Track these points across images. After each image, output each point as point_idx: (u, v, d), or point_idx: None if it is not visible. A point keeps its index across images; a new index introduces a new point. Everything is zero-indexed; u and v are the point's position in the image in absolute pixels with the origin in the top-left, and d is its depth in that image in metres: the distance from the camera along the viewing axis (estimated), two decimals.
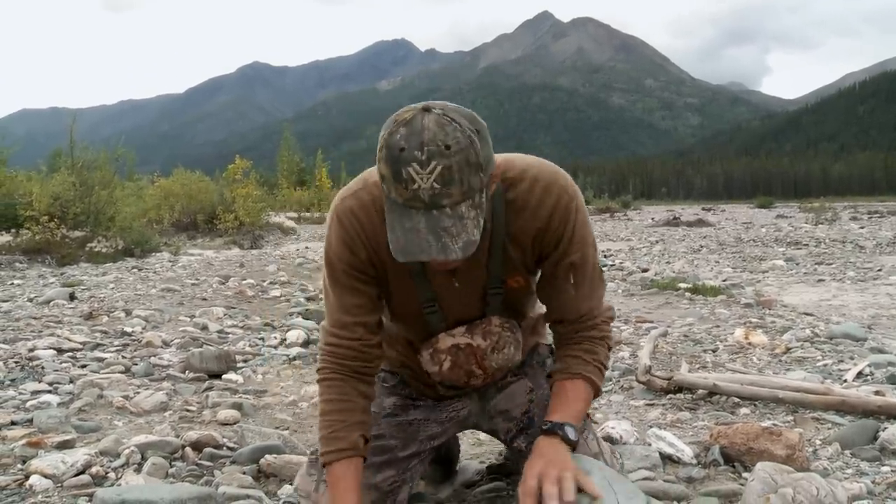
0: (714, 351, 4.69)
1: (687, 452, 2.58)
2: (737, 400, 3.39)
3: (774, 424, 2.88)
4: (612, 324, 1.96)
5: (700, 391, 3.52)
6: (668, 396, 3.56)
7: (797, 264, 11.38)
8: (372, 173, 1.69)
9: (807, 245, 15.13)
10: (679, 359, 4.37)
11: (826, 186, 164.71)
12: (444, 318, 1.91)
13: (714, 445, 2.58)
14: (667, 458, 2.56)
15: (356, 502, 1.73)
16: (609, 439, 2.65)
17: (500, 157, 1.75)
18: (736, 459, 2.52)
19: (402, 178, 1.45)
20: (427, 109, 1.48)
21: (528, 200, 1.75)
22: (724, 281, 9.21)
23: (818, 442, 2.77)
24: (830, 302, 7.45)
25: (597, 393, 1.91)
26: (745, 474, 2.41)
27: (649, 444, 2.65)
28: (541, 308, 2.07)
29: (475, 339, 1.91)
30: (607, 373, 4.08)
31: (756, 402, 3.34)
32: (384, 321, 1.97)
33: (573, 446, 1.76)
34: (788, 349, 4.63)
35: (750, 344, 4.80)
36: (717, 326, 5.61)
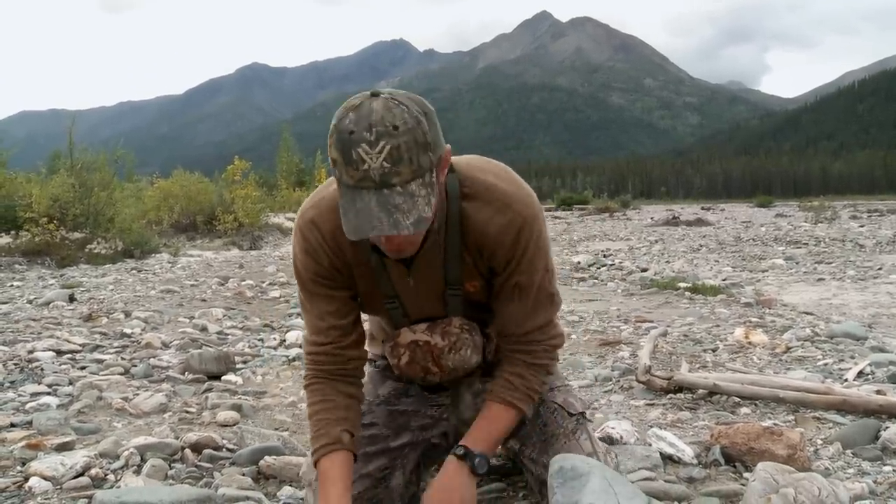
0: (714, 350, 4.68)
1: (687, 452, 2.57)
2: (737, 399, 3.39)
3: (775, 424, 2.87)
4: (556, 353, 2.02)
5: (700, 391, 3.52)
6: (669, 396, 3.55)
7: (797, 263, 11.36)
8: (332, 181, 1.72)
9: (806, 244, 15.11)
10: (679, 358, 4.36)
11: (825, 185, 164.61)
12: (407, 315, 1.97)
13: (715, 445, 2.57)
14: (667, 459, 2.55)
15: (340, 492, 1.77)
16: (609, 439, 2.64)
17: (467, 160, 1.85)
18: (737, 459, 2.51)
19: (352, 159, 1.48)
20: (375, 94, 1.53)
21: (483, 216, 1.77)
22: (723, 280, 9.19)
23: (819, 442, 2.77)
24: (831, 301, 7.44)
25: (522, 415, 1.95)
26: (745, 474, 2.41)
27: (650, 445, 2.64)
28: None
29: (434, 338, 1.97)
30: (606, 372, 4.11)
31: (757, 402, 3.33)
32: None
33: (471, 469, 1.84)
34: (789, 348, 4.62)
35: (750, 343, 4.79)
36: (717, 326, 5.61)
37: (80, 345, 4.79)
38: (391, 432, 2.11)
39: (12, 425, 3.04)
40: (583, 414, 2.16)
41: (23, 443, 2.71)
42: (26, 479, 2.37)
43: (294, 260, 1.91)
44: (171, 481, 2.44)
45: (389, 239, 1.63)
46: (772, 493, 1.81)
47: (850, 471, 2.46)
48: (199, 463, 2.63)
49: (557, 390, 2.20)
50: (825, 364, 4.17)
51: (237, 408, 3.37)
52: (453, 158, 1.79)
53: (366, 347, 2.04)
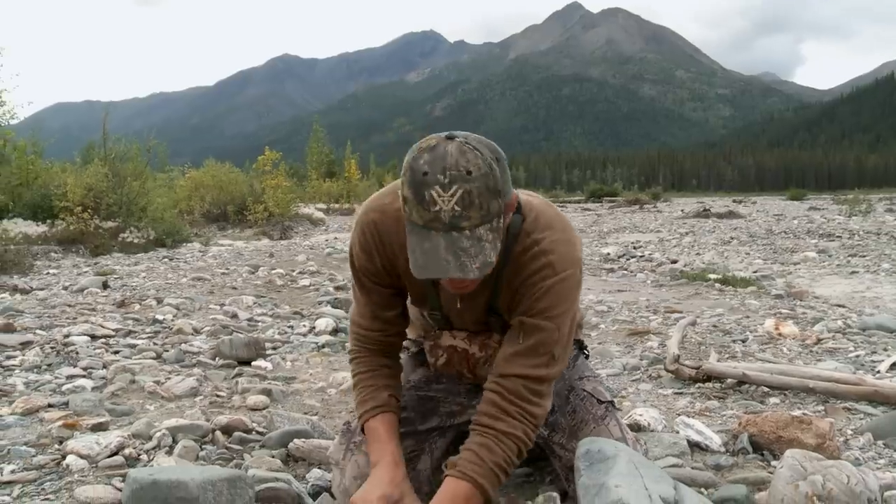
0: (744, 341, 4.65)
1: (715, 440, 2.57)
2: (766, 389, 3.37)
3: (804, 414, 2.85)
4: (535, 427, 1.85)
5: (729, 380, 3.50)
6: (697, 385, 3.54)
7: (830, 256, 11.22)
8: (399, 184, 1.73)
9: (840, 237, 14.90)
10: (708, 349, 4.34)
11: (861, 178, 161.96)
12: (449, 323, 2.05)
13: (742, 433, 2.56)
14: (695, 446, 2.55)
15: (392, 448, 1.87)
16: (637, 426, 2.65)
17: (535, 203, 1.90)
18: (765, 448, 2.50)
19: (424, 200, 1.53)
20: (451, 137, 1.57)
21: (521, 259, 1.82)
22: (754, 272, 9.11)
23: (849, 432, 2.75)
24: (864, 294, 7.34)
25: (486, 497, 1.79)
26: (773, 462, 2.40)
27: (677, 432, 2.64)
28: None
29: (472, 347, 2.03)
30: (635, 361, 4.09)
31: (786, 392, 3.31)
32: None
33: None
34: (819, 340, 4.58)
35: (780, 334, 4.75)
36: (747, 317, 5.57)
37: (113, 330, 4.87)
38: (419, 416, 2.16)
39: (50, 406, 3.11)
40: (612, 402, 2.17)
41: (60, 422, 2.77)
42: (63, 457, 2.43)
43: (350, 251, 1.99)
44: (202, 462, 2.48)
45: (453, 280, 1.68)
46: (800, 480, 1.80)
47: (882, 461, 2.44)
48: (229, 445, 2.68)
49: (587, 379, 2.22)
50: (857, 356, 4.12)
51: (267, 392, 3.41)
52: (522, 195, 1.87)
53: None
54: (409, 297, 2.07)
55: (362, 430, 1.99)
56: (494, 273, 1.80)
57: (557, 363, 1.87)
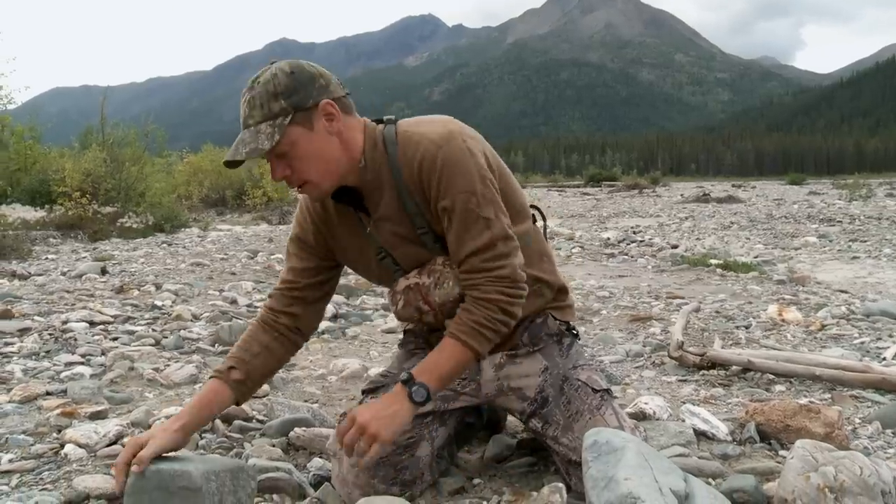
0: (747, 327, 4.62)
1: (721, 429, 2.53)
2: (772, 377, 3.33)
3: (811, 402, 2.82)
4: (510, 285, 1.94)
5: (734, 367, 3.47)
6: (701, 373, 3.50)
7: (830, 241, 11.18)
8: None
9: (840, 222, 14.86)
10: (711, 335, 4.31)
11: (860, 162, 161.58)
12: (398, 265, 2.11)
13: (749, 422, 2.53)
14: (701, 435, 2.51)
15: (188, 414, 1.99)
16: (642, 415, 2.61)
17: (416, 118, 2.09)
18: (772, 437, 2.46)
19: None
20: (272, 62, 1.92)
21: (406, 156, 1.96)
22: (755, 258, 9.07)
23: (857, 420, 2.71)
24: (866, 279, 7.30)
25: (477, 354, 1.97)
26: (781, 452, 2.37)
27: (683, 421, 2.60)
28: (538, 271, 2.17)
29: (421, 278, 2.08)
30: (638, 347, 4.06)
31: (792, 380, 3.28)
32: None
33: (417, 406, 1.90)
34: (823, 326, 4.54)
35: (784, 321, 4.72)
36: (750, 303, 5.53)
37: (112, 316, 4.84)
38: None
39: (48, 393, 3.08)
40: (607, 390, 2.15)
41: (58, 410, 2.74)
42: (62, 446, 2.40)
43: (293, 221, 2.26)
44: (201, 451, 2.45)
45: (273, 170, 1.94)
46: (811, 472, 1.77)
47: (891, 451, 2.41)
48: (229, 433, 2.64)
49: (581, 368, 2.19)
50: (862, 342, 4.09)
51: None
52: (404, 119, 2.07)
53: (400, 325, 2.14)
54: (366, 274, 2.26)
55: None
56: (392, 184, 1.99)
57: (497, 221, 1.94)
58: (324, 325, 4.83)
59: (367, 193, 2.04)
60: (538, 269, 2.17)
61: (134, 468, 1.76)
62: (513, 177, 2.16)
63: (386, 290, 2.24)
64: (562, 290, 2.29)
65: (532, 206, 2.28)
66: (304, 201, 2.17)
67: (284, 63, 1.89)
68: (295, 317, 2.17)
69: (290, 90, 1.85)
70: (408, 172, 1.96)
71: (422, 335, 2.30)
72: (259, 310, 2.25)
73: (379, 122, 2.06)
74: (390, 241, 2.08)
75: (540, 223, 2.31)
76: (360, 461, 1.87)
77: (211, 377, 2.10)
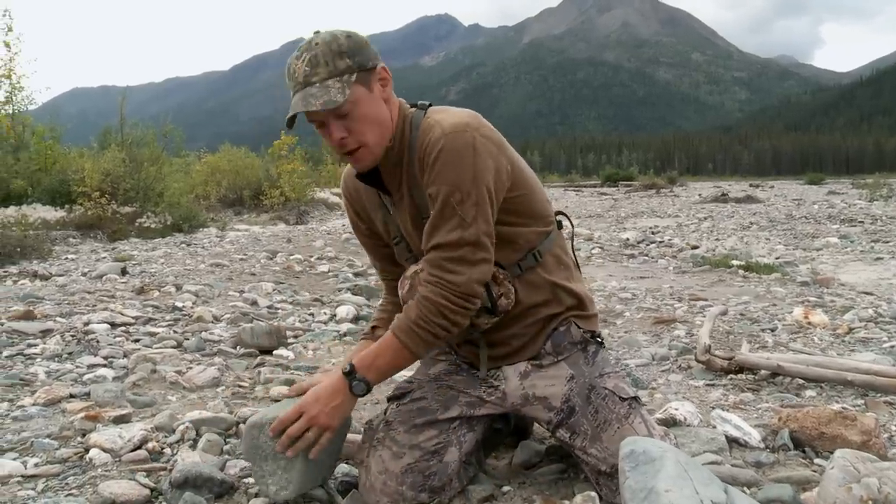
0: (773, 330, 4.55)
1: (754, 436, 2.48)
2: (801, 381, 3.27)
3: (844, 408, 2.76)
4: (458, 294, 1.91)
5: (763, 372, 3.41)
6: (729, 377, 3.45)
7: (852, 242, 11.04)
8: None
9: (862, 222, 14.68)
10: (737, 338, 4.25)
11: (880, 162, 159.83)
12: (411, 251, 2.16)
13: (783, 429, 2.47)
14: (733, 442, 2.46)
15: (348, 360, 2.02)
16: (672, 421, 2.56)
17: (442, 108, 2.05)
18: (806, 444, 2.41)
19: (288, 73, 1.90)
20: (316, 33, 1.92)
21: (420, 142, 1.96)
22: (777, 259, 8.97)
23: (893, 428, 2.65)
24: (891, 281, 7.19)
25: (413, 354, 1.98)
26: (816, 460, 2.32)
27: (714, 427, 2.55)
28: (558, 278, 2.15)
29: None
30: (663, 351, 4.01)
31: (822, 385, 3.22)
32: None
33: (357, 398, 1.98)
34: (851, 329, 4.47)
35: (810, 323, 4.65)
36: (774, 305, 5.46)
37: (133, 317, 4.83)
38: (439, 406, 2.15)
39: (71, 396, 3.07)
40: (635, 398, 2.11)
41: (82, 414, 2.72)
42: (86, 451, 2.38)
43: None
44: (226, 457, 2.42)
45: (330, 132, 1.91)
46: (853, 483, 1.72)
47: None
48: None
49: (607, 376, 2.15)
50: (892, 346, 4.01)
51: (290, 383, 3.35)
52: (443, 107, 2.05)
53: None
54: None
55: (385, 424, 2.15)
56: (406, 166, 2.02)
57: (473, 224, 1.89)
58: (345, 326, 4.81)
59: (387, 174, 2.08)
60: (556, 276, 2.15)
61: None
62: (536, 181, 2.12)
63: None
64: (584, 300, 2.24)
65: (559, 213, 2.24)
66: (341, 187, 2.28)
67: (333, 30, 1.92)
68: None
69: (353, 50, 1.89)
70: (420, 158, 1.97)
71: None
72: (378, 305, 2.45)
73: (413, 106, 2.09)
74: (404, 225, 2.13)
75: (567, 230, 2.28)
76: (313, 452, 1.94)
77: (360, 339, 2.35)
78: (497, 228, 1.96)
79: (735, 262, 8.03)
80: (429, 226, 1.94)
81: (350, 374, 1.93)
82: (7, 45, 17.07)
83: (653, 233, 13.40)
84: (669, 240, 11.78)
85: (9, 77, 17.09)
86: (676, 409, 2.63)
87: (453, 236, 1.89)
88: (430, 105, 2.07)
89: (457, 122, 1.91)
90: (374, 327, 2.31)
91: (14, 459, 2.33)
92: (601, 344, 2.27)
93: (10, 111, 17.31)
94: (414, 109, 2.06)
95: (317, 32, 1.91)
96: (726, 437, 2.45)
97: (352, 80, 1.86)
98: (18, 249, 8.71)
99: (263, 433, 1.95)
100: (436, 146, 1.89)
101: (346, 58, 1.87)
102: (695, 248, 10.42)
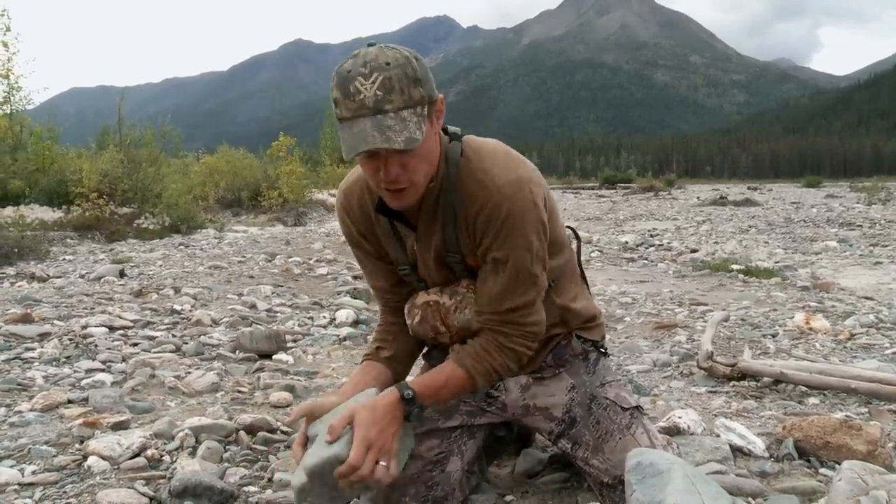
0: (774, 336, 4.53)
1: (758, 445, 2.46)
2: (805, 389, 3.25)
3: (848, 416, 2.74)
4: (534, 340, 1.95)
5: (765, 379, 3.39)
6: (731, 384, 3.43)
7: (851, 246, 11.03)
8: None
9: (861, 226, 14.70)
10: (738, 344, 4.23)
11: (878, 165, 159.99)
12: (422, 281, 2.08)
13: (787, 438, 2.45)
14: (737, 451, 2.44)
15: (354, 382, 1.99)
16: (676, 429, 2.54)
17: (476, 138, 1.96)
18: (811, 454, 2.39)
19: (349, 92, 1.62)
20: (371, 45, 1.69)
21: (470, 188, 1.84)
22: (776, 263, 8.96)
23: None
24: (890, 286, 7.18)
25: (476, 390, 1.99)
26: (821, 470, 2.29)
27: (718, 436, 2.53)
28: (568, 300, 2.14)
29: (443, 298, 2.03)
30: (665, 357, 4.00)
31: (825, 392, 3.20)
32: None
33: (407, 413, 1.82)
34: (853, 335, 4.45)
35: (811, 329, 4.63)
36: (775, 310, 5.45)
37: (131, 321, 4.81)
38: (440, 415, 2.12)
39: (70, 401, 3.05)
40: (637, 408, 2.09)
41: (80, 420, 2.70)
42: (85, 458, 2.36)
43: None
44: (226, 464, 2.40)
45: (387, 169, 1.69)
46: (861, 496, 1.70)
47: None
48: (253, 445, 2.60)
49: (609, 385, 2.13)
50: (894, 353, 3.99)
51: (290, 388, 3.33)
52: (470, 136, 1.95)
53: None
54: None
55: None
56: (442, 205, 1.90)
57: (540, 278, 1.90)
58: (345, 331, 4.79)
59: (418, 209, 1.94)
60: (565, 297, 2.14)
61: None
62: (557, 208, 2.09)
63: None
64: (590, 317, 2.23)
65: (567, 227, 2.23)
66: (339, 203, 2.09)
67: (401, 48, 1.70)
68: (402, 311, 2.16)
69: (425, 78, 1.69)
70: (465, 209, 1.86)
71: (447, 351, 2.26)
72: (378, 326, 2.22)
73: (443, 131, 1.92)
74: (423, 258, 2.02)
75: (575, 245, 2.27)
76: (387, 481, 1.75)
77: (362, 361, 2.13)
78: None
79: (735, 267, 8.01)
80: (498, 289, 1.88)
81: (411, 401, 1.82)
82: (5, 44, 17.06)
83: (652, 236, 13.39)
84: (668, 243, 11.77)
85: (7, 77, 17.08)
86: (680, 418, 2.61)
87: (530, 296, 1.90)
88: (460, 134, 1.93)
89: (511, 178, 1.82)
90: (378, 348, 2.13)
91: (11, 467, 2.30)
92: (604, 353, 2.25)
93: (8, 111, 17.29)
94: (446, 139, 1.90)
95: (372, 45, 1.69)
96: (730, 446, 2.43)
97: (424, 114, 1.68)
98: (16, 250, 8.68)
99: (328, 478, 1.73)
100: (499, 212, 1.80)
101: (420, 86, 1.66)
102: (694, 251, 10.41)
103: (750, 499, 2.08)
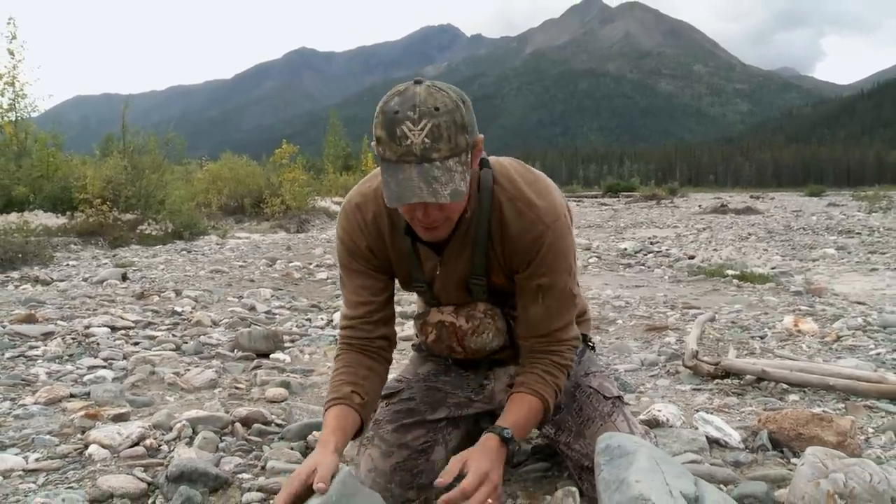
0: (762, 338, 4.62)
1: (734, 437, 2.55)
2: (785, 386, 3.34)
3: (824, 411, 2.83)
4: (574, 353, 2.08)
5: (748, 377, 3.48)
6: (716, 382, 3.53)
7: (849, 253, 11.10)
8: (379, 171, 1.79)
9: (859, 234, 14.75)
10: (726, 345, 4.32)
11: (881, 174, 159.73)
12: (435, 298, 2.11)
13: (762, 430, 2.55)
14: (714, 442, 2.53)
15: (328, 436, 1.82)
16: (655, 422, 2.63)
17: (505, 160, 1.99)
18: (784, 445, 2.48)
19: (396, 135, 1.60)
20: (419, 82, 1.66)
21: (508, 216, 1.89)
22: (772, 269, 9.04)
23: (871, 430, 2.72)
24: (884, 291, 7.26)
25: (546, 414, 2.00)
26: (793, 460, 2.38)
27: (696, 428, 2.63)
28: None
29: (459, 320, 2.10)
30: (653, 356, 4.09)
31: (805, 389, 3.29)
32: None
33: (510, 454, 1.89)
34: (839, 337, 4.54)
35: (799, 331, 4.72)
36: (766, 314, 5.53)
37: (133, 321, 4.92)
38: (428, 407, 2.22)
39: (72, 396, 3.15)
40: (619, 397, 2.18)
41: (82, 412, 2.80)
42: (86, 447, 2.46)
43: (337, 239, 2.09)
44: (221, 454, 2.50)
45: (427, 213, 1.72)
46: (821, 478, 1.79)
47: None
48: (248, 437, 2.69)
49: (593, 375, 2.23)
50: (878, 353, 4.08)
51: (286, 385, 3.43)
52: (492, 158, 1.95)
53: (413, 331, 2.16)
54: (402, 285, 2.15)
55: (374, 423, 2.13)
56: (472, 231, 1.92)
57: (578, 296, 2.05)
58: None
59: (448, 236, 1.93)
60: None
61: (320, 486, 1.62)
62: None
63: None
64: (583, 312, 2.34)
65: None
66: (352, 215, 2.02)
67: (446, 85, 1.69)
68: (387, 338, 2.09)
69: (471, 124, 1.68)
70: (502, 236, 1.91)
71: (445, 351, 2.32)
72: (344, 340, 2.07)
73: None
74: (444, 281, 2.04)
75: None
76: None
77: (334, 404, 1.92)
78: None
79: (730, 272, 8.09)
80: (545, 310, 1.96)
81: (511, 440, 1.88)
82: (11, 52, 17.22)
83: (651, 243, 13.46)
84: (667, 250, 11.84)
85: (12, 84, 17.24)
86: (660, 411, 2.70)
87: (572, 314, 2.04)
88: (487, 160, 1.94)
89: (548, 205, 1.89)
90: (353, 392, 1.94)
91: (16, 455, 2.40)
92: (591, 347, 2.35)
93: (14, 118, 17.44)
94: (476, 167, 1.86)
95: (418, 82, 1.66)
96: (707, 437, 2.53)
97: (469, 161, 1.69)
98: (20, 255, 8.80)
99: None
100: (542, 241, 1.87)
101: (465, 133, 1.65)
102: (691, 257, 10.48)
103: (721, 485, 2.17)
